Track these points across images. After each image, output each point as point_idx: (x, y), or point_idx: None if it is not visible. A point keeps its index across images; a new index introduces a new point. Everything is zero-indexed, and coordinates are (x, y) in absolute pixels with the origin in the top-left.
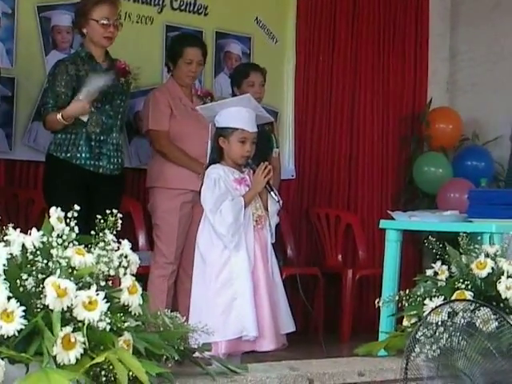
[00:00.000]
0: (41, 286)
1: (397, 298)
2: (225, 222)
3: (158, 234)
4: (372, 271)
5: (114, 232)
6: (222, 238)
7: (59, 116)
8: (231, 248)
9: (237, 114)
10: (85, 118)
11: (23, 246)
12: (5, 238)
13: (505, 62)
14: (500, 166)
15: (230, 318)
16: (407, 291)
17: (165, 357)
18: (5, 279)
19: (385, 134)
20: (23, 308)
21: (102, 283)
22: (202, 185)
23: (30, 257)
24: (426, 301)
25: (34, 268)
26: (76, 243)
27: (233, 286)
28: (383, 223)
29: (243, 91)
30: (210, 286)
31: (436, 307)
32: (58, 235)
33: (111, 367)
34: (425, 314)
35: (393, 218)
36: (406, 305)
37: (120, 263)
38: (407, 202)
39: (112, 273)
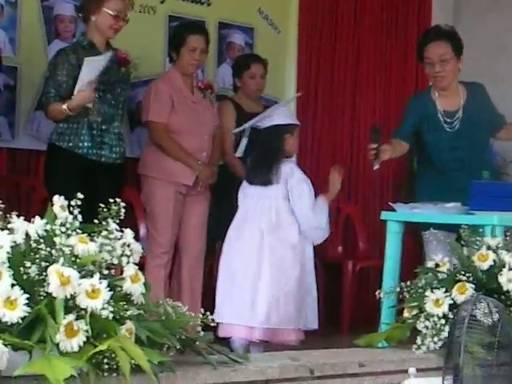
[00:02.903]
0: (44, 273)
1: (398, 289)
2: (323, 217)
3: (152, 223)
4: (372, 263)
5: (117, 221)
6: (320, 231)
7: (65, 107)
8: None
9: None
10: (90, 105)
11: (27, 234)
12: (8, 226)
13: (507, 55)
14: (502, 158)
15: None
16: (408, 283)
17: (166, 346)
18: (9, 267)
19: (386, 123)
20: (27, 296)
21: (105, 272)
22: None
23: (34, 245)
24: (427, 292)
25: (37, 256)
26: (79, 232)
27: None
28: (384, 215)
29: (244, 82)
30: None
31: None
32: (62, 223)
33: (113, 355)
34: (426, 306)
35: (394, 210)
36: (407, 296)
37: (123, 252)
38: (409, 193)
39: (115, 261)
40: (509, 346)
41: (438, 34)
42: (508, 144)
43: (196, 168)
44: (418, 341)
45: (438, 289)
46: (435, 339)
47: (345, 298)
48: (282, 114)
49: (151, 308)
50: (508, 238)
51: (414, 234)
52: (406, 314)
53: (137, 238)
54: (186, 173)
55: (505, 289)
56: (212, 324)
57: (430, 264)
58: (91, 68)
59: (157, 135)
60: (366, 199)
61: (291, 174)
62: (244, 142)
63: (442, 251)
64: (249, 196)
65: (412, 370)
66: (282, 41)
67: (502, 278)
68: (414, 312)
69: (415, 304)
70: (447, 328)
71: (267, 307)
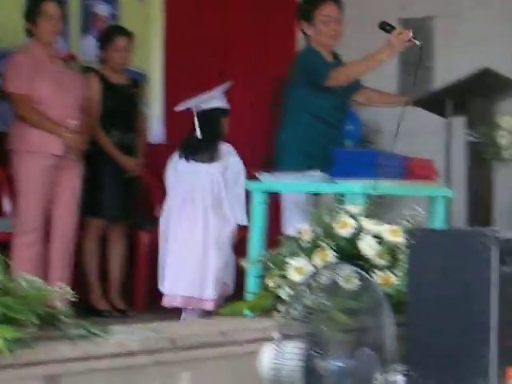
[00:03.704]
0: None
1: (262, 258)
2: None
3: (18, 199)
4: (242, 234)
5: None
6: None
7: None
8: None
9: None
10: None
11: None
12: None
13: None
14: (367, 128)
15: None
16: (271, 251)
17: (29, 322)
18: None
19: (256, 96)
20: None
21: None
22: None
23: None
24: (289, 260)
25: None
26: None
27: None
28: (249, 185)
29: (109, 55)
30: None
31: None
32: None
33: None
34: (288, 273)
35: (259, 180)
36: (271, 265)
37: None
38: (275, 163)
39: None
40: (370, 312)
41: None
42: (374, 113)
43: (64, 135)
44: (281, 309)
45: (300, 256)
46: (297, 306)
47: None
48: (222, 98)
49: (6, 284)
50: (369, 204)
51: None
52: (268, 283)
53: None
54: (54, 142)
55: (365, 255)
56: (72, 298)
57: (292, 232)
58: None
59: (19, 107)
60: None
61: (229, 152)
62: (196, 122)
63: (304, 219)
64: (185, 173)
65: (276, 334)
66: (147, 10)
67: (362, 245)
68: (278, 280)
69: (278, 272)
70: (309, 295)
71: (215, 279)
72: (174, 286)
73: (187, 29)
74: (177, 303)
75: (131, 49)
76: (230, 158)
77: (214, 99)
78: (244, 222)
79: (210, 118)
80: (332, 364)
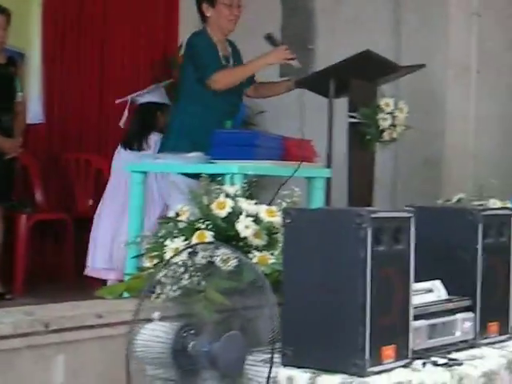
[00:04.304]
0: None
1: (140, 239)
2: None
3: None
4: None
5: None
6: None
7: None
8: None
9: None
10: None
11: None
12: None
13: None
14: (250, 109)
15: None
16: (149, 232)
17: None
18: None
19: (135, 79)
20: None
21: None
22: None
23: None
24: (167, 242)
25: None
26: None
27: None
28: (128, 166)
29: None
30: None
31: (182, 249)
32: None
33: None
34: (165, 255)
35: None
36: (148, 246)
37: None
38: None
39: None
40: (247, 292)
41: None
42: None
43: None
44: (158, 290)
45: (178, 237)
46: (174, 287)
47: None
48: (158, 94)
49: None
50: (246, 185)
51: None
52: (146, 264)
53: None
54: None
55: (242, 235)
56: None
57: (171, 213)
58: None
59: None
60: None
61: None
62: (125, 113)
63: (182, 200)
64: (123, 160)
65: (156, 314)
66: None
67: (240, 225)
68: (155, 261)
69: (156, 253)
70: (186, 276)
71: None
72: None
73: (65, 5)
74: (101, 275)
75: (8, 27)
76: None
77: (149, 94)
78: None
79: (144, 111)
80: (201, 346)
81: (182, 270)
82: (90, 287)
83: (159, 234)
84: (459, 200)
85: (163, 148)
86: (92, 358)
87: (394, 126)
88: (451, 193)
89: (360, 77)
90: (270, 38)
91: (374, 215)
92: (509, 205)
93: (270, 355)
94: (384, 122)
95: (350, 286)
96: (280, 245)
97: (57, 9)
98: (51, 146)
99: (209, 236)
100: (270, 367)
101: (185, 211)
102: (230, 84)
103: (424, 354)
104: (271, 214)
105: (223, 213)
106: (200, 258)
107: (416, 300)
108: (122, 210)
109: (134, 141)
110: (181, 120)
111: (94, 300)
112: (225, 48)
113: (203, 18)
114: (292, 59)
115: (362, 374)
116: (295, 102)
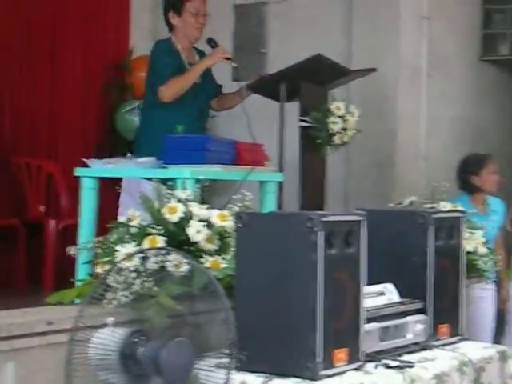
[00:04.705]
0: None
1: (91, 245)
2: None
3: None
4: (75, 221)
5: None
6: None
7: None
8: None
9: None
10: None
11: None
12: None
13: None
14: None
15: None
16: (101, 238)
17: None
18: None
19: (86, 82)
20: None
21: None
22: None
23: None
24: (118, 247)
25: None
26: None
27: None
28: (78, 171)
29: None
30: None
31: (131, 254)
32: None
33: None
34: (116, 260)
35: (89, 166)
36: (100, 251)
37: None
38: (110, 151)
39: None
40: (199, 296)
41: None
42: None
43: None
44: (109, 295)
45: (129, 242)
46: (126, 293)
47: (47, 257)
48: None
49: None
50: (198, 190)
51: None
52: (98, 270)
53: None
54: None
55: (193, 240)
56: None
57: (122, 218)
58: None
59: None
60: (67, 157)
61: None
62: None
63: (134, 205)
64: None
65: (109, 320)
66: None
67: (191, 230)
68: (107, 267)
69: (107, 259)
70: (138, 281)
71: None
72: None
73: (13, 10)
74: None
75: None
76: None
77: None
78: None
79: None
80: (148, 352)
81: (133, 275)
82: (41, 294)
83: (110, 240)
84: (411, 203)
85: (134, 152)
86: (42, 365)
87: (344, 129)
88: (403, 195)
89: (311, 81)
90: (210, 42)
91: (324, 219)
92: (459, 207)
93: (226, 360)
94: (334, 125)
95: (302, 290)
96: (232, 249)
97: (3, 10)
98: (1, 150)
99: (161, 241)
100: (228, 372)
101: (136, 216)
102: (175, 94)
103: (376, 357)
104: (223, 219)
105: (175, 218)
106: (152, 263)
107: (368, 303)
108: None
109: None
110: (147, 125)
111: (44, 306)
112: (191, 56)
113: (169, 26)
114: (229, 59)
115: (314, 377)
116: (247, 107)
